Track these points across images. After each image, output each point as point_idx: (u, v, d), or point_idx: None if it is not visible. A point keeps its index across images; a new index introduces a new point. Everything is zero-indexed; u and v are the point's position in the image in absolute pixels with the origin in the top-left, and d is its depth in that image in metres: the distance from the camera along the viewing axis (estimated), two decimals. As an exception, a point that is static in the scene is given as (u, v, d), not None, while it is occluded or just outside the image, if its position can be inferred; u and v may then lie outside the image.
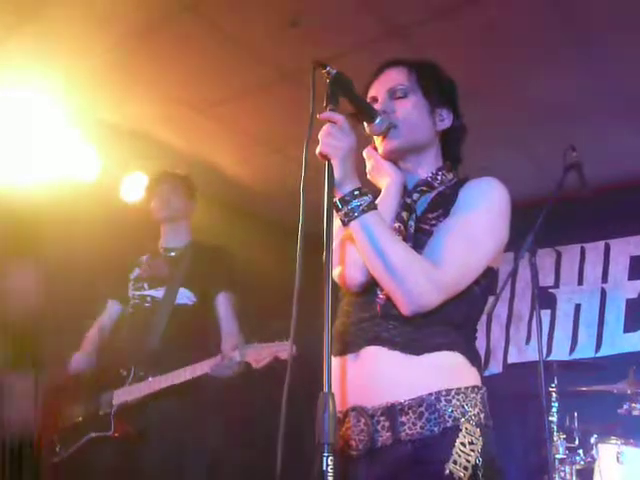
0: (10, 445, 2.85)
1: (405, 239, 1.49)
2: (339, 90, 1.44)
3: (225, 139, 4.02)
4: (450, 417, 1.38)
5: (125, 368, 2.78)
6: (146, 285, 2.94)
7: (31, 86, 3.34)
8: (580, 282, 4.57)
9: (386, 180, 1.61)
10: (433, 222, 1.51)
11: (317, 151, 1.39)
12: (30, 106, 3.46)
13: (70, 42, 3.03)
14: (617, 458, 3.10)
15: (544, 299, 4.44)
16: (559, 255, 4.65)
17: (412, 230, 1.52)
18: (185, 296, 2.88)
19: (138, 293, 2.95)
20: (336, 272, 1.53)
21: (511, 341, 4.66)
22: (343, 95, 1.45)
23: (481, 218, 1.48)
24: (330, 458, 1.15)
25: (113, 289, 3.10)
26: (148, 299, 2.91)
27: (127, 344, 2.89)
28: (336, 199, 1.42)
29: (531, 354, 4.47)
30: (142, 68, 3.30)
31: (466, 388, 1.42)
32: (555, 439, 3.32)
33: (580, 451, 3.34)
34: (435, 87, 1.62)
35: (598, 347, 4.37)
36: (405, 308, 1.41)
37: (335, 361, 1.49)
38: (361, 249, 1.44)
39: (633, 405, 3.32)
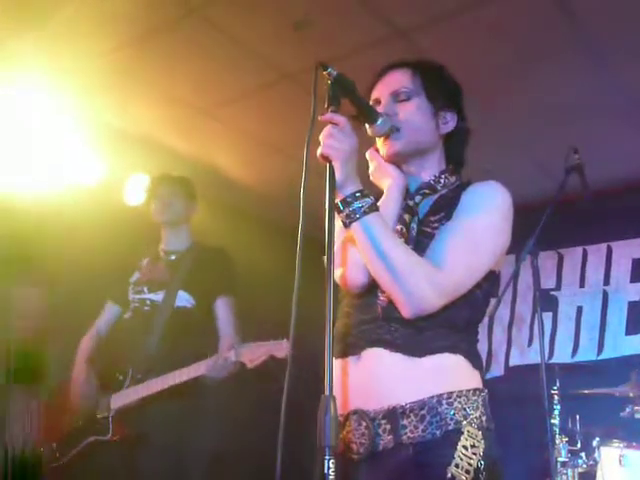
0: (13, 458, 2.85)
1: (407, 242, 1.49)
2: (341, 91, 1.43)
3: (228, 141, 4.02)
4: (452, 420, 1.38)
5: (123, 371, 2.78)
6: (145, 289, 2.94)
7: (34, 89, 3.35)
8: (582, 284, 4.56)
9: (388, 182, 1.60)
10: (435, 225, 1.51)
11: (318, 153, 1.39)
12: (33, 109, 3.46)
13: (73, 45, 3.03)
14: (619, 461, 3.09)
15: (546, 301, 4.43)
16: (561, 257, 4.64)
17: (414, 233, 1.52)
18: (184, 299, 2.87)
19: (138, 297, 2.94)
20: (337, 273, 1.52)
21: (513, 343, 4.66)
22: (345, 96, 1.45)
23: (483, 221, 1.48)
24: (332, 461, 1.14)
25: (112, 291, 3.09)
26: (147, 302, 2.90)
27: (126, 347, 2.88)
28: (337, 201, 1.42)
29: (533, 357, 4.46)
30: (145, 70, 3.30)
31: (467, 391, 1.42)
32: (557, 442, 3.32)
33: (582, 454, 3.34)
34: (439, 89, 1.61)
35: (600, 350, 4.37)
36: (406, 311, 1.41)
37: (336, 363, 1.48)
38: (362, 251, 1.44)
39: (635, 408, 3.31)
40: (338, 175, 1.38)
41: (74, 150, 3.65)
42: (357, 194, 1.42)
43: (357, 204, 1.41)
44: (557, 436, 3.34)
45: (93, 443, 2.73)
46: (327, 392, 1.18)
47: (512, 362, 4.62)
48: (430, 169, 1.62)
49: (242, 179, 4.47)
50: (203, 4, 2.82)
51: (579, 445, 3.41)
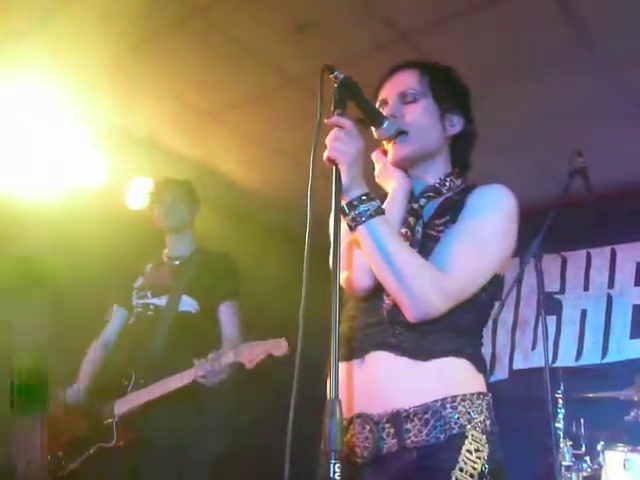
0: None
1: (412, 245, 1.49)
2: (347, 94, 1.43)
3: (232, 144, 4.02)
4: (456, 424, 1.37)
5: (127, 377, 2.77)
6: (149, 294, 2.93)
7: (38, 90, 3.36)
8: (586, 288, 4.55)
9: (393, 185, 1.60)
10: (440, 228, 1.51)
11: (325, 156, 1.39)
12: (36, 110, 3.48)
13: (76, 46, 3.04)
14: (624, 465, 3.08)
15: (550, 305, 4.42)
16: (565, 260, 4.63)
17: (419, 236, 1.51)
18: (188, 304, 2.87)
19: (141, 302, 2.93)
20: (343, 276, 1.52)
21: (517, 347, 4.65)
22: (351, 99, 1.44)
23: (489, 225, 1.48)
24: (337, 465, 1.14)
25: (118, 296, 3.09)
26: (151, 307, 2.90)
27: (129, 353, 2.88)
28: (343, 204, 1.42)
29: (537, 360, 4.45)
30: (149, 72, 3.31)
31: (472, 395, 1.42)
32: (561, 446, 3.31)
33: (587, 458, 3.33)
34: (447, 91, 1.61)
35: (604, 353, 4.35)
36: (410, 315, 1.41)
37: (340, 366, 1.46)
38: (368, 254, 1.44)
39: (640, 412, 3.30)
40: (344, 178, 1.38)
41: (77, 152, 3.66)
42: (363, 197, 1.41)
43: (363, 207, 1.41)
44: (561, 440, 3.33)
45: (98, 450, 2.72)
46: (332, 396, 1.17)
47: (516, 365, 4.60)
48: (435, 172, 1.61)
49: (246, 182, 4.48)
50: (208, 6, 2.82)
51: (583, 449, 3.39)
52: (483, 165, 1.70)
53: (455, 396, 1.40)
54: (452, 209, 1.53)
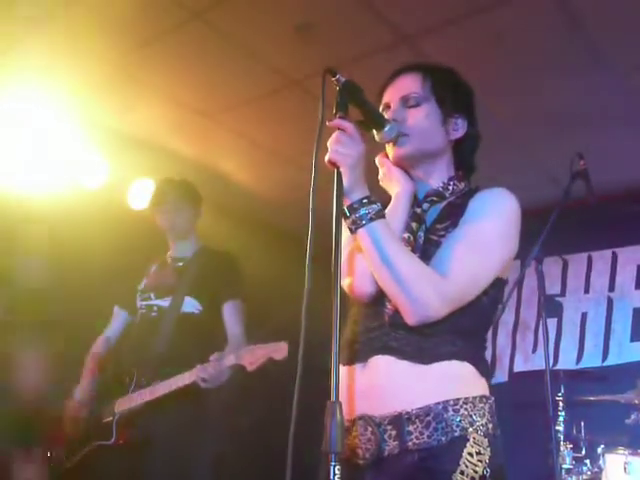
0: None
1: (414, 250, 1.49)
2: (348, 97, 1.43)
3: (233, 146, 4.02)
4: (458, 427, 1.37)
5: (128, 376, 2.78)
6: (153, 295, 2.94)
7: (39, 92, 3.36)
8: (587, 290, 4.55)
9: (396, 189, 1.60)
10: (442, 233, 1.51)
11: (326, 159, 1.38)
12: (38, 112, 3.48)
13: (78, 49, 3.04)
14: (624, 468, 3.08)
15: (551, 307, 4.42)
16: (566, 263, 4.63)
17: (421, 241, 1.51)
18: (191, 305, 2.87)
19: (145, 303, 2.95)
20: (346, 282, 1.53)
21: (517, 350, 4.65)
22: (352, 102, 1.44)
23: (490, 228, 1.47)
24: (337, 467, 1.14)
25: (120, 298, 3.11)
26: (155, 308, 2.91)
27: (132, 352, 2.89)
28: (344, 207, 1.42)
29: (537, 363, 4.44)
30: (150, 75, 3.31)
31: (474, 398, 1.42)
32: (562, 449, 3.30)
33: (587, 461, 3.31)
34: (450, 95, 1.60)
35: (605, 356, 4.35)
36: (410, 318, 1.41)
37: (343, 370, 1.49)
38: (368, 257, 1.44)
39: (641, 415, 3.30)
40: (346, 181, 1.38)
41: (78, 153, 3.66)
42: (364, 200, 1.41)
43: (364, 210, 1.41)
44: (561, 443, 3.32)
45: (97, 448, 2.73)
46: (333, 398, 1.17)
47: (516, 368, 4.60)
48: (438, 175, 1.61)
49: (246, 184, 4.48)
50: (207, 8, 2.82)
51: (584, 452, 3.38)
52: (485, 168, 1.70)
53: (457, 399, 1.39)
54: (454, 214, 1.53)
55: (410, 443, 1.37)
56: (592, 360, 4.37)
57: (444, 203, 1.58)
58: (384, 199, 1.56)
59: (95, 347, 3.04)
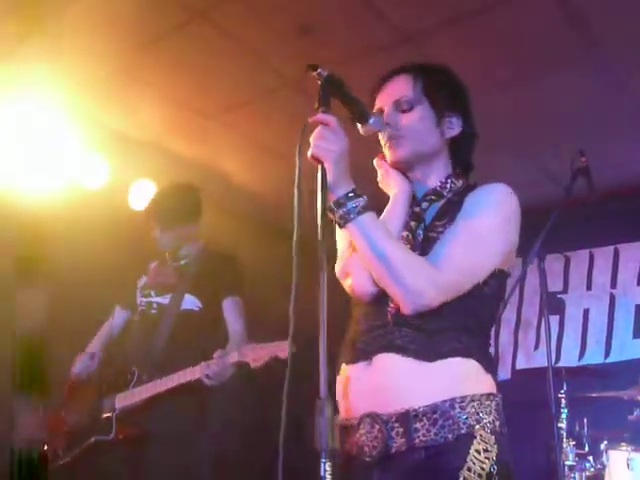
0: (19, 460, 2.87)
1: (413, 248, 1.50)
2: (331, 91, 1.43)
3: (233, 146, 4.03)
4: (464, 424, 1.38)
5: (129, 372, 2.79)
6: (153, 292, 2.96)
7: (40, 93, 3.36)
8: (589, 287, 4.55)
9: (394, 189, 1.61)
10: (440, 230, 1.52)
11: (309, 154, 1.38)
12: (39, 113, 3.48)
13: (80, 50, 3.04)
14: (627, 465, 3.08)
15: (553, 304, 4.41)
16: (568, 260, 4.63)
17: (420, 239, 1.53)
18: (191, 302, 2.89)
19: (145, 300, 2.97)
20: (347, 283, 1.55)
21: (519, 347, 4.65)
22: (336, 96, 1.44)
23: (485, 221, 1.48)
24: (328, 464, 1.14)
25: (121, 295, 3.13)
26: (154, 305, 2.93)
27: (132, 349, 2.91)
28: (331, 202, 1.41)
29: (539, 360, 4.44)
30: (150, 75, 3.32)
31: (481, 395, 1.42)
32: (564, 445, 3.30)
33: (590, 457, 3.32)
34: (443, 95, 1.60)
35: (607, 353, 4.35)
36: (406, 307, 1.42)
37: (348, 369, 1.51)
38: (359, 251, 1.45)
39: (643, 411, 3.30)
40: (330, 176, 1.38)
41: (79, 154, 3.66)
42: (350, 194, 1.41)
43: (350, 204, 1.41)
44: (564, 439, 3.32)
45: (96, 443, 2.73)
46: (322, 395, 1.17)
47: (519, 365, 4.60)
48: (436, 174, 1.62)
49: (247, 184, 4.48)
50: (208, 8, 2.83)
51: (587, 448, 3.39)
52: (486, 165, 1.70)
53: (464, 396, 1.40)
54: (452, 210, 1.54)
55: (417, 440, 1.38)
56: (594, 357, 4.37)
57: (443, 201, 1.59)
58: (384, 200, 1.57)
59: (93, 344, 3.06)
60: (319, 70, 1.41)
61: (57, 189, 3.58)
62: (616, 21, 2.82)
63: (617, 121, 3.61)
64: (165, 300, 2.91)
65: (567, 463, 3.27)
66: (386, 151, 1.61)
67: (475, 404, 1.40)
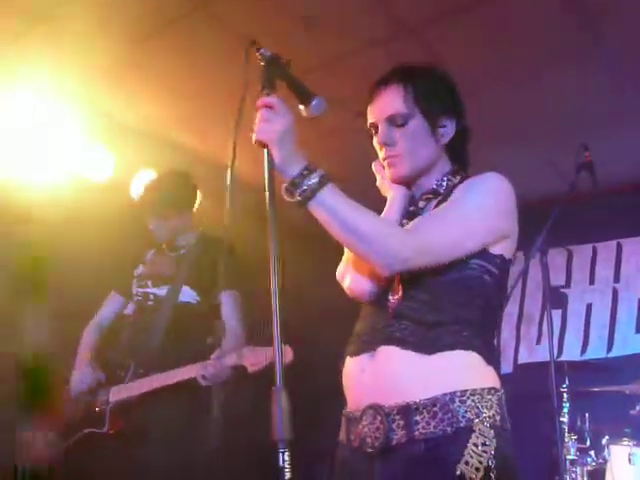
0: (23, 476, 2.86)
1: None
2: (275, 73, 1.41)
3: (239, 138, 4.01)
4: (464, 418, 1.38)
5: (124, 365, 2.74)
6: (150, 283, 2.89)
7: (44, 85, 3.36)
8: (592, 282, 4.54)
9: (390, 194, 1.65)
10: None
11: (253, 140, 1.37)
12: (43, 105, 3.48)
13: (82, 42, 3.04)
14: (629, 459, 3.08)
15: (555, 299, 4.42)
16: (570, 254, 4.62)
17: None
18: (188, 295, 2.83)
19: (142, 290, 2.89)
20: (345, 285, 1.59)
21: (522, 341, 4.64)
22: (280, 78, 1.42)
23: (470, 199, 1.49)
24: (286, 454, 1.14)
25: (117, 282, 3.04)
26: (151, 297, 2.86)
27: (128, 342, 2.84)
28: (285, 185, 1.39)
29: (542, 354, 4.44)
30: (154, 68, 3.31)
31: (482, 389, 1.42)
32: (566, 440, 3.30)
33: (591, 452, 3.32)
34: (434, 102, 1.59)
35: (610, 347, 4.35)
36: (383, 269, 1.43)
37: (352, 361, 1.53)
38: (327, 226, 1.41)
39: (645, 406, 3.30)
40: (276, 158, 1.36)
41: (83, 146, 3.66)
42: (304, 172, 1.37)
43: (306, 182, 1.37)
44: (566, 434, 3.32)
45: (89, 435, 2.69)
46: (278, 384, 1.18)
47: (521, 360, 4.60)
48: (435, 176, 1.63)
49: (251, 177, 4.46)
50: (212, 1, 2.82)
51: (588, 443, 3.39)
52: (489, 160, 1.70)
53: (465, 390, 1.40)
54: (443, 202, 1.55)
55: (417, 433, 1.38)
56: (597, 351, 4.37)
57: (439, 199, 1.59)
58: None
59: (87, 334, 2.97)
60: (262, 50, 1.40)
61: (62, 181, 3.59)
62: (622, 16, 2.80)
63: (622, 115, 3.59)
64: (162, 291, 2.84)
65: (569, 457, 3.27)
66: (385, 166, 1.63)
67: (476, 398, 1.40)
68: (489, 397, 1.42)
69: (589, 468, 3.27)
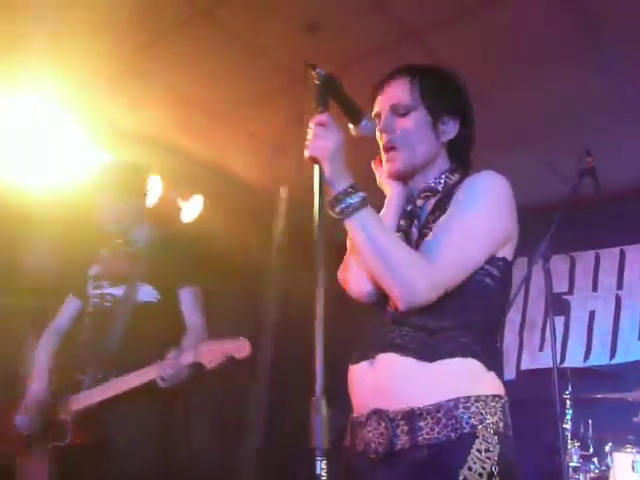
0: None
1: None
2: (328, 92, 1.45)
3: (240, 144, 4.03)
4: (467, 424, 1.37)
5: (83, 372, 2.59)
6: (106, 283, 2.72)
7: (46, 90, 3.37)
8: (594, 288, 4.53)
9: (388, 192, 1.65)
10: (433, 225, 1.52)
11: (305, 156, 1.40)
12: (44, 110, 3.49)
13: (85, 47, 3.05)
14: (632, 467, 3.07)
15: (558, 305, 4.41)
16: (573, 261, 4.61)
17: (414, 237, 1.54)
18: (147, 293, 2.67)
19: (98, 292, 2.72)
20: (346, 284, 1.59)
21: (524, 347, 4.63)
22: (332, 97, 1.46)
23: (474, 209, 1.48)
24: (324, 462, 1.14)
25: (72, 285, 2.87)
26: (108, 298, 2.69)
27: (86, 346, 2.67)
28: (329, 199, 1.42)
29: (544, 361, 4.42)
30: (157, 72, 3.32)
31: (486, 396, 1.42)
32: (569, 447, 3.29)
33: (595, 459, 3.31)
34: (439, 98, 1.60)
35: (613, 354, 4.33)
36: (400, 303, 1.43)
37: (354, 368, 1.53)
38: (357, 246, 1.45)
39: (649, 413, 3.28)
40: (327, 173, 1.39)
41: (84, 151, 3.67)
42: (349, 190, 1.41)
43: (349, 200, 1.41)
44: (569, 441, 3.31)
45: (54, 449, 2.54)
46: (317, 393, 1.17)
47: (524, 366, 4.58)
48: (433, 173, 1.62)
49: (253, 181, 4.48)
50: (214, 6, 2.83)
51: (591, 450, 3.38)
52: (493, 163, 1.69)
53: (469, 396, 1.40)
54: (443, 204, 1.55)
55: (420, 438, 1.38)
56: (600, 358, 4.35)
57: (438, 197, 1.59)
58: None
59: (44, 342, 2.82)
60: (317, 70, 1.43)
61: (62, 186, 3.59)
62: (624, 19, 2.80)
63: (625, 120, 3.59)
64: (119, 291, 2.67)
65: (571, 464, 3.26)
66: (383, 159, 1.63)
67: (480, 404, 1.40)
68: (493, 404, 1.42)
69: (592, 475, 3.25)
